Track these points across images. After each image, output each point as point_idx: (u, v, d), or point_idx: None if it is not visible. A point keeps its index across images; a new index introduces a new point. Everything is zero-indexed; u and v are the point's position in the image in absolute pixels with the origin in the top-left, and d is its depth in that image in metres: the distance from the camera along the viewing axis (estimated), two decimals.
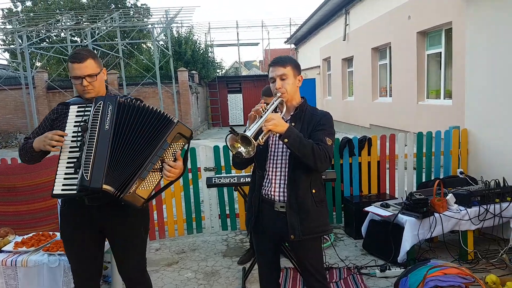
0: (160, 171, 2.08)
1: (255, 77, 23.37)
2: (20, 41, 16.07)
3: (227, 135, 1.87)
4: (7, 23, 18.68)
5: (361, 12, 12.72)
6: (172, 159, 2.09)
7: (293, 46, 23.95)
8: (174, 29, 21.38)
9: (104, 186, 1.94)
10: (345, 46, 14.17)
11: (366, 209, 3.86)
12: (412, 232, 3.38)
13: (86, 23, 18.32)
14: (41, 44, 19.28)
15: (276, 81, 2.09)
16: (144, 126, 2.07)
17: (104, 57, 17.51)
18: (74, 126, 2.07)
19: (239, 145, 1.87)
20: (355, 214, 4.22)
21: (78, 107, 2.11)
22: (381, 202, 3.84)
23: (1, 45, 23.59)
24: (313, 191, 2.09)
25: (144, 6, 25.70)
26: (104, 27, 16.28)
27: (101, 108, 2.03)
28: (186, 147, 2.15)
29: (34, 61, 23.80)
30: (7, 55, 24.86)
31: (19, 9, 25.63)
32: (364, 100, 12.78)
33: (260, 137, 1.89)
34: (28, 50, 15.91)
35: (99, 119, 2.01)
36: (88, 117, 2.06)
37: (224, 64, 28.07)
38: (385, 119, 11.25)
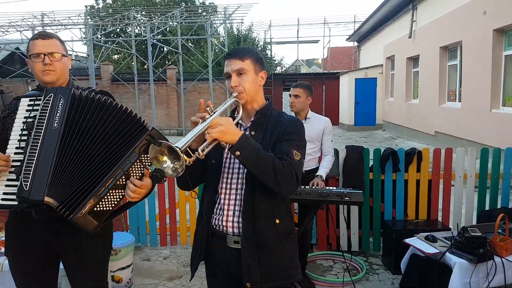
0: (123, 188, 1.64)
1: (313, 75, 22.55)
2: (91, 35, 16.89)
3: (147, 144, 1.34)
4: (89, 19, 19.75)
5: (430, 7, 11.51)
6: (139, 176, 1.65)
7: (355, 43, 22.77)
8: (234, 27, 21.35)
9: (47, 199, 1.57)
10: (411, 44, 12.98)
11: (407, 241, 3.14)
12: (462, 279, 2.63)
13: (156, 20, 18.82)
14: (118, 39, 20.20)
15: (232, 77, 1.63)
16: (106, 128, 1.65)
17: (161, 51, 17.90)
18: (23, 122, 1.71)
19: (165, 158, 1.36)
20: (395, 243, 3.50)
21: (30, 100, 1.75)
22: (427, 234, 3.09)
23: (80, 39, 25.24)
24: (277, 221, 1.61)
25: (212, 4, 25.92)
26: (164, 23, 16.54)
27: (50, 101, 1.65)
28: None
29: (110, 54, 25.20)
30: (85, 48, 26.50)
31: (100, 5, 27.13)
32: (430, 104, 11.57)
33: (200, 149, 1.40)
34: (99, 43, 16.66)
35: (47, 114, 1.63)
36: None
37: (283, 61, 27.48)
38: (452, 126, 10.03)
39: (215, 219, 1.65)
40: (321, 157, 3.35)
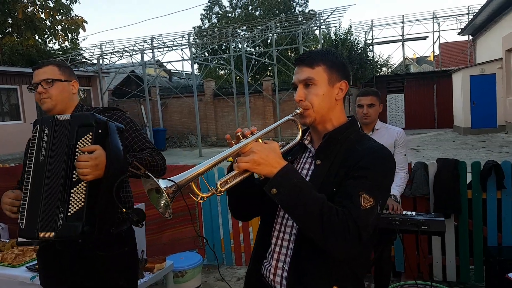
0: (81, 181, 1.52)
1: (421, 74, 20.78)
2: (192, 54, 18.15)
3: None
4: (197, 39, 21.28)
5: None
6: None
7: (470, 37, 20.40)
8: (332, 32, 20.84)
9: (42, 234, 1.51)
10: None
11: (511, 275, 2.57)
12: None
13: (251, 34, 19.43)
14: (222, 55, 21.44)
15: (298, 89, 1.30)
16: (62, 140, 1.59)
17: (256, 64, 18.39)
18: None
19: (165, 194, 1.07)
20: (500, 275, 2.90)
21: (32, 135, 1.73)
22: None
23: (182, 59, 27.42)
24: None
25: (312, 11, 25.71)
26: (259, 36, 16.98)
27: (37, 133, 1.62)
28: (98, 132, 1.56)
29: (217, 71, 26.83)
30: (195, 66, 28.71)
31: (207, 25, 29.13)
32: None
33: (219, 182, 1.14)
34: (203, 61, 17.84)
35: (35, 147, 1.60)
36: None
37: (391, 62, 25.68)
38: None
39: (265, 267, 1.34)
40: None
